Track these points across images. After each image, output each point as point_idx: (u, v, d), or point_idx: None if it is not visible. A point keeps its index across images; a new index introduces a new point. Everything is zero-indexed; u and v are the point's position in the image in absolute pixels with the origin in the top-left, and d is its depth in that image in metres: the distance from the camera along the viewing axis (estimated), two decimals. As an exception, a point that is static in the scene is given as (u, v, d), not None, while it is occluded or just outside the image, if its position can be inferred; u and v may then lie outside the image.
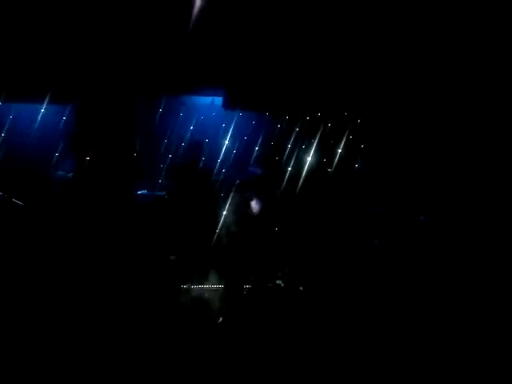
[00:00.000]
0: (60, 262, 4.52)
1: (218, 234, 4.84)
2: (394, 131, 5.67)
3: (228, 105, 5.90)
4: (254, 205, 4.67)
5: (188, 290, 4.76)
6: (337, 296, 4.49)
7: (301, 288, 4.80)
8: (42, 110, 5.67)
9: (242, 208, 4.91)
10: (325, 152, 5.82)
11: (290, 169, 5.45)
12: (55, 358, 3.38)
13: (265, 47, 5.26)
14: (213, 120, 6.61)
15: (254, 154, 5.63)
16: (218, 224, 4.86)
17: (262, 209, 4.67)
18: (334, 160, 5.66)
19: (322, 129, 5.84)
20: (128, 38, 5.18)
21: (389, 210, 5.29)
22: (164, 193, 5.79)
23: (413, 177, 5.33)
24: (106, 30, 5.10)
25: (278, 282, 4.96)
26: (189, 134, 6.28)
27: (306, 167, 5.44)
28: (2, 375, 3.16)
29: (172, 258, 5.01)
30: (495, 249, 4.42)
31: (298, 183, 5.26)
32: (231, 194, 4.98)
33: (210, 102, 6.69)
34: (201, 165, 5.33)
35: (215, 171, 5.70)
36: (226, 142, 6.12)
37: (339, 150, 5.72)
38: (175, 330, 3.91)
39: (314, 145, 5.70)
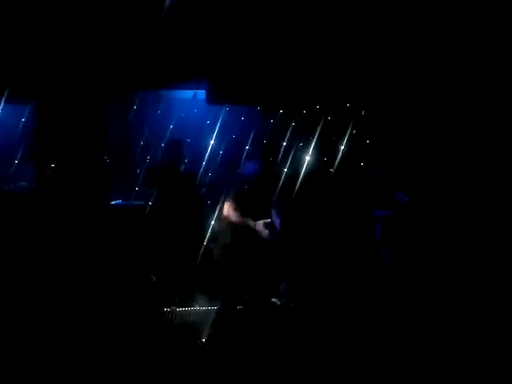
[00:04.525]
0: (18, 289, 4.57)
1: (206, 247, 4.93)
2: (405, 123, 5.67)
3: (212, 98, 5.87)
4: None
5: (172, 313, 4.81)
6: (341, 319, 4.55)
7: (299, 307, 4.91)
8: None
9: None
10: (325, 150, 5.90)
11: (285, 170, 5.46)
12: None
13: (253, 29, 5.32)
14: (195, 117, 6.69)
15: (244, 154, 5.45)
16: (205, 236, 4.96)
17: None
18: (336, 159, 5.69)
19: (321, 123, 5.89)
20: (96, 23, 5.22)
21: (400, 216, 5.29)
22: (142, 202, 5.76)
23: (428, 177, 5.33)
24: (69, 12, 5.13)
25: (273, 300, 5.05)
26: (168, 134, 6.25)
27: (304, 168, 5.50)
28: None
29: (153, 277, 5.06)
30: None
31: (294, 187, 5.31)
32: (220, 200, 4.92)
33: (192, 96, 6.69)
34: (182, 168, 5.31)
35: (199, 175, 5.75)
36: (212, 142, 6.15)
37: (342, 148, 5.75)
38: (158, 360, 3.90)
39: (313, 142, 5.76)
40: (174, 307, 4.87)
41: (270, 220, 4.51)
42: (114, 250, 5.15)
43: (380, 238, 5.20)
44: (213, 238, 4.93)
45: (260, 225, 4.40)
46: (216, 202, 4.96)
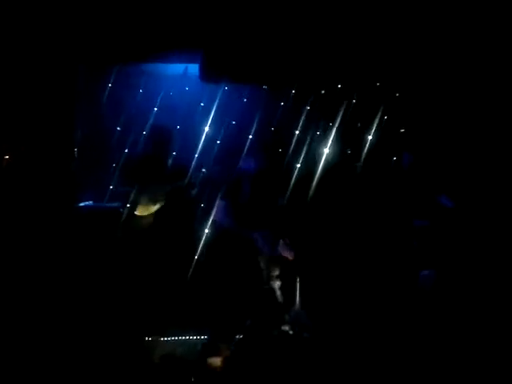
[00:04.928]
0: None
1: (198, 261, 4.85)
2: (451, 108, 5.25)
3: (207, 74, 5.55)
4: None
5: (155, 344, 4.49)
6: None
7: (319, 337, 4.48)
8: None
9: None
10: (349, 141, 5.59)
11: (298, 166, 5.28)
12: None
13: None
14: (186, 98, 6.44)
15: (246, 145, 5.55)
16: (196, 247, 4.91)
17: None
18: (362, 151, 5.34)
19: (343, 107, 5.55)
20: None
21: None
22: (117, 204, 5.60)
23: (478, 174, 4.94)
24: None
25: (284, 327, 4.66)
26: (152, 119, 6.02)
27: (322, 163, 5.20)
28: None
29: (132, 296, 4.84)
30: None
31: (310, 186, 5.01)
32: (215, 203, 5.08)
33: (183, 72, 6.34)
34: (169, 162, 5.27)
35: (190, 171, 5.53)
36: (207, 129, 5.88)
37: (370, 137, 5.38)
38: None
39: (334, 130, 5.43)
40: (157, 336, 4.53)
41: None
42: (81, 261, 4.89)
43: (419, 254, 4.82)
44: (206, 250, 4.93)
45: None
46: (210, 204, 5.09)
